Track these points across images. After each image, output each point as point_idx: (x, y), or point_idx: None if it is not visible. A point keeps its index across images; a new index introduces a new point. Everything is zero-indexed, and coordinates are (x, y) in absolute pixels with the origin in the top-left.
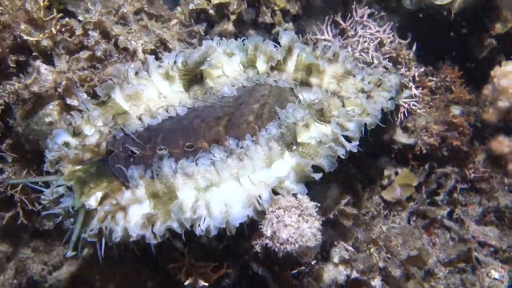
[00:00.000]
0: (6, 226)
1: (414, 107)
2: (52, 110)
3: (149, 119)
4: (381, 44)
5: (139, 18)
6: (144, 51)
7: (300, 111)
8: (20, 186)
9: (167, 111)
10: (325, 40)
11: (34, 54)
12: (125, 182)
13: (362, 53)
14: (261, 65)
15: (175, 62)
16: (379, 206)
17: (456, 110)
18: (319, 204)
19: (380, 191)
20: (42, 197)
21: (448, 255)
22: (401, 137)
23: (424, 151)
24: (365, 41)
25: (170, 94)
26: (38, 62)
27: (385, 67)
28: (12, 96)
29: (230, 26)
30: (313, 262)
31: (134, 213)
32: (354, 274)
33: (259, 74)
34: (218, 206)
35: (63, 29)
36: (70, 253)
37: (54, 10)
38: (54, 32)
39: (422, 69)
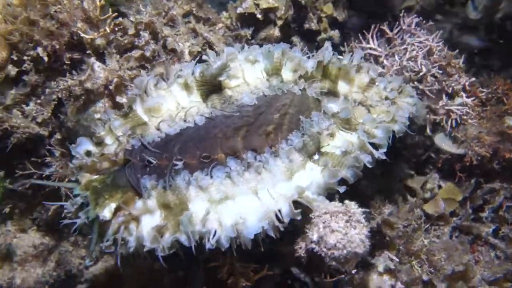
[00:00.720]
0: (50, 219)
1: (465, 117)
2: (101, 107)
3: (167, 129)
4: (429, 52)
5: (187, 20)
6: (191, 53)
7: (325, 120)
8: (67, 179)
9: (185, 120)
10: (370, 48)
11: (88, 52)
12: (140, 192)
13: (410, 61)
14: (287, 73)
15: (193, 72)
16: (421, 219)
17: (511, 121)
18: (367, 210)
19: (422, 204)
20: (65, 210)
21: (493, 274)
22: (450, 147)
23: (475, 162)
24: (413, 50)
25: (188, 104)
26: (92, 59)
27: (434, 76)
28: (65, 92)
29: (276, 32)
30: (353, 271)
31: (146, 224)
32: (399, 285)
33: (283, 82)
34: (232, 218)
35: (116, 29)
36: (89, 262)
37: (110, 10)
38: (108, 31)
39: (473, 79)
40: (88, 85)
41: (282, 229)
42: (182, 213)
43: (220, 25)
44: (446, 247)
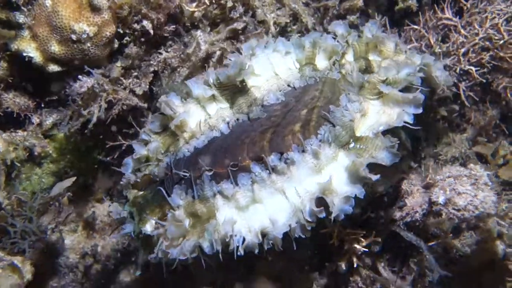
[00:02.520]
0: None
1: None
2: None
3: (194, 142)
4: (508, 20)
5: None
6: (277, 24)
7: (354, 101)
8: None
9: (213, 130)
10: (446, 18)
11: (187, 24)
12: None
13: (490, 30)
14: (321, 62)
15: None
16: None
17: None
18: (490, 173)
19: (497, 170)
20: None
21: None
22: None
23: None
24: (493, 17)
25: (216, 112)
26: (199, 32)
27: None
28: (161, 65)
29: (360, 2)
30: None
31: None
32: (509, 250)
33: (315, 70)
34: (261, 222)
35: (213, 1)
36: (139, 273)
37: None
38: (208, 3)
39: None
40: (193, 58)
41: (309, 228)
42: (209, 221)
43: None
44: None
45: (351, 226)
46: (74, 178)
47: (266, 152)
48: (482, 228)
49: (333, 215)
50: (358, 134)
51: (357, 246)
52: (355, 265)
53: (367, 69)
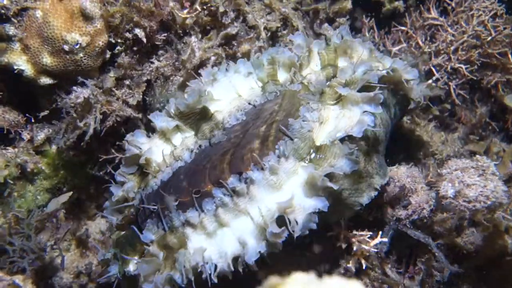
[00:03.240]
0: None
1: None
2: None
3: (160, 175)
4: (494, 16)
5: None
6: (268, 29)
7: (313, 109)
8: None
9: (178, 160)
10: (432, 18)
11: (179, 31)
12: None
13: (477, 27)
14: (283, 75)
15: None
16: None
17: None
18: (497, 163)
19: None
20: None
21: None
22: None
23: None
24: (480, 15)
25: (181, 142)
26: (193, 38)
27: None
28: (154, 74)
29: (349, 4)
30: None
31: None
32: None
33: (277, 85)
34: (232, 247)
35: (204, 7)
36: None
37: None
38: (199, 9)
39: None
40: (188, 65)
41: (280, 249)
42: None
43: None
44: None
45: (357, 227)
46: (70, 193)
47: (226, 174)
48: (484, 224)
49: (296, 234)
50: (318, 143)
51: (366, 247)
52: (364, 267)
53: (335, 77)
